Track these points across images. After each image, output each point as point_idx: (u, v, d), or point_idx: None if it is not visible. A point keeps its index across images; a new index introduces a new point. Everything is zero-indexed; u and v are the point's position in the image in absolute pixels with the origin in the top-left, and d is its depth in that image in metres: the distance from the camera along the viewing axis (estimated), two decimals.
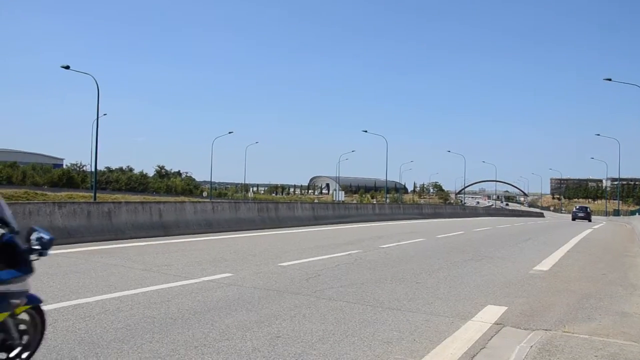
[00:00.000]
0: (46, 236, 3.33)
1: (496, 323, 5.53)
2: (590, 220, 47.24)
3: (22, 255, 3.25)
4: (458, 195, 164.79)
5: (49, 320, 4.85)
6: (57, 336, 4.43)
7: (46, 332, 3.74)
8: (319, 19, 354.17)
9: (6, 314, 3.19)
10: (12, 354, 3.37)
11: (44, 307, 3.69)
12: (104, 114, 66.18)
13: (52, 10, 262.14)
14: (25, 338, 3.50)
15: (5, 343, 3.33)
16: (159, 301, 5.92)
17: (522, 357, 4.41)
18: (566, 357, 4.41)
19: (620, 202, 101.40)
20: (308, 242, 13.58)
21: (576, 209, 55.08)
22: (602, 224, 39.95)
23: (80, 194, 69.91)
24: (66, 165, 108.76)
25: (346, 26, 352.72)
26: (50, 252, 3.37)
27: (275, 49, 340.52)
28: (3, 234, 3.22)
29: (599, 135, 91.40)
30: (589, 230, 26.30)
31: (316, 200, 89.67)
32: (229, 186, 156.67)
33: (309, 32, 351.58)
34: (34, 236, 3.31)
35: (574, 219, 48.63)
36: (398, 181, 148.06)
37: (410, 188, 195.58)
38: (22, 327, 3.48)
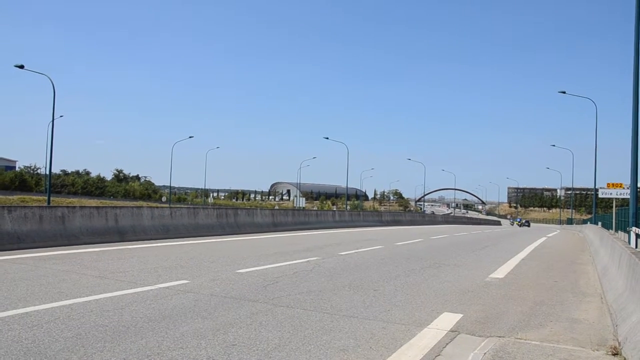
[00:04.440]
0: None
1: (451, 330, 5.59)
2: (529, 226, 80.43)
3: None
4: (418, 203, 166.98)
5: None
6: (1, 347, 4.26)
7: None
8: (282, 24, 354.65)
9: None
10: None
11: None
12: (61, 116, 65.00)
13: (7, 11, 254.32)
14: None
15: None
16: (112, 309, 5.78)
17: None
18: None
19: (574, 211, 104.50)
20: (267, 248, 13.49)
21: (524, 221, 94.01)
22: (555, 232, 41.03)
23: (34, 197, 67.97)
24: (19, 168, 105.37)
25: (309, 33, 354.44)
26: None
27: (237, 54, 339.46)
28: None
29: (554, 146, 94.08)
30: (543, 239, 26.98)
31: (277, 207, 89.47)
32: (189, 191, 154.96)
33: (271, 38, 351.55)
34: None
35: (521, 226, 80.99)
36: (359, 188, 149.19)
37: (370, 195, 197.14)
38: None
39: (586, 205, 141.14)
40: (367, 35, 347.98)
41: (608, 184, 27.55)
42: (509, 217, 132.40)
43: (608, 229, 26.47)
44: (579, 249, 20.51)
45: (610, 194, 27.25)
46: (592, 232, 24.38)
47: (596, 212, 46.76)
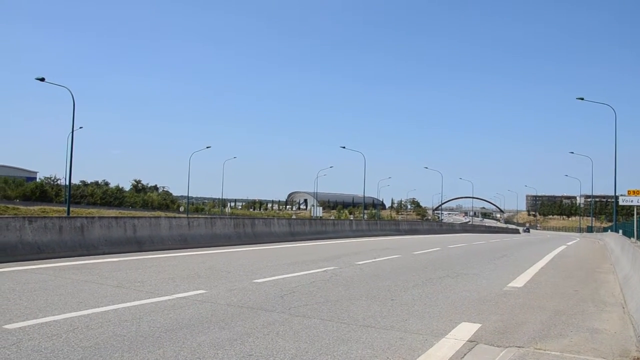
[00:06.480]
0: None
1: (470, 340, 5.53)
2: (529, 232, 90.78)
3: None
4: (435, 212, 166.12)
5: (12, 339, 4.73)
6: (21, 356, 4.30)
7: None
8: (298, 33, 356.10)
9: None
10: None
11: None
12: (80, 127, 65.51)
13: (26, 21, 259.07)
14: None
15: None
16: (130, 319, 5.82)
17: None
18: None
19: (594, 218, 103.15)
20: (284, 258, 13.50)
21: (525, 228, 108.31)
22: (575, 241, 40.50)
23: (54, 208, 68.90)
24: (40, 179, 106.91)
25: (325, 40, 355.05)
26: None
27: (254, 63, 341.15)
28: None
29: (572, 153, 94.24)
30: (562, 247, 26.65)
31: (294, 216, 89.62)
32: (206, 201, 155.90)
33: (287, 46, 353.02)
34: None
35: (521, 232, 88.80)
36: (376, 197, 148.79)
37: (388, 204, 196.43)
38: None
39: (606, 212, 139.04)
40: (385, 43, 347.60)
41: (629, 191, 27.21)
42: (527, 225, 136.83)
43: (629, 237, 26.08)
44: (599, 257, 20.21)
45: (631, 201, 26.89)
46: (613, 240, 24.03)
47: (617, 220, 46.14)
